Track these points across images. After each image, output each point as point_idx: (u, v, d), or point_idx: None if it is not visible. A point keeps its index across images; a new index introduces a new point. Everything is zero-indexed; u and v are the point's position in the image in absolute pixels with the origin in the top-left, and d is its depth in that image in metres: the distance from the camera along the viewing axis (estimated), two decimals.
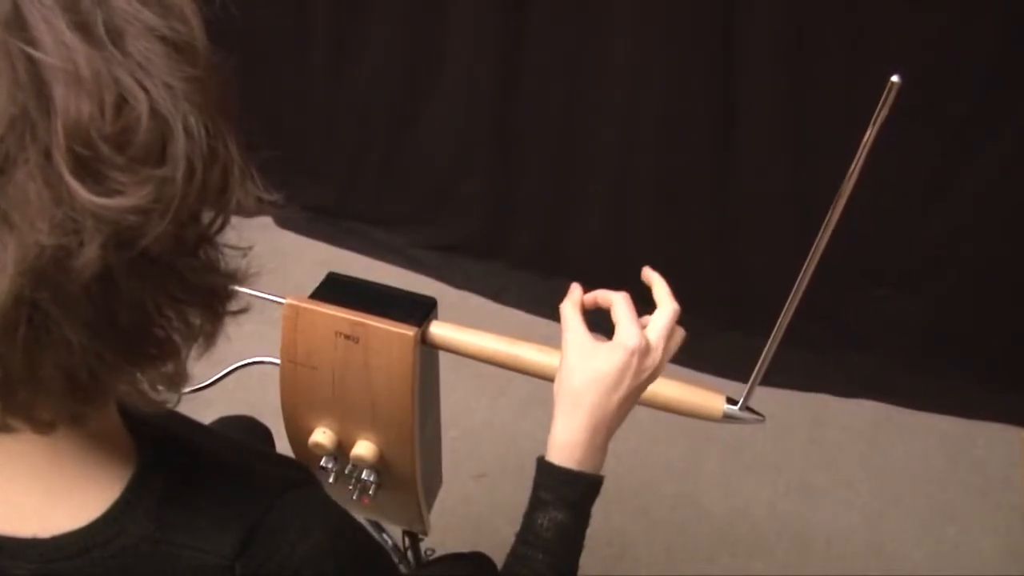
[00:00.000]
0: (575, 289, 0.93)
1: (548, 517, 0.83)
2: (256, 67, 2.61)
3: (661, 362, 0.87)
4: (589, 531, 0.87)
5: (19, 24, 0.43)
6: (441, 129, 2.55)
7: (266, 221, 2.83)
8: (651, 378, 0.87)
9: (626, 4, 2.11)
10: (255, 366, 1.33)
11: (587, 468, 0.85)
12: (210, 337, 0.56)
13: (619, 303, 0.88)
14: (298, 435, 1.18)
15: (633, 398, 0.87)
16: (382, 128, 2.63)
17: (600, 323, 0.89)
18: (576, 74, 2.28)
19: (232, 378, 1.31)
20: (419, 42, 2.43)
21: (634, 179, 2.36)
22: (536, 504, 0.84)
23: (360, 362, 1.06)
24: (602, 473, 0.87)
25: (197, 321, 0.54)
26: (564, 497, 0.84)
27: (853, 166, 0.73)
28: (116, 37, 0.46)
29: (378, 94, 2.57)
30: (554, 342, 1.06)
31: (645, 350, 0.85)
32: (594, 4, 2.15)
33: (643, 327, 0.87)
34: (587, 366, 0.85)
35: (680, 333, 0.90)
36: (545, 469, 0.85)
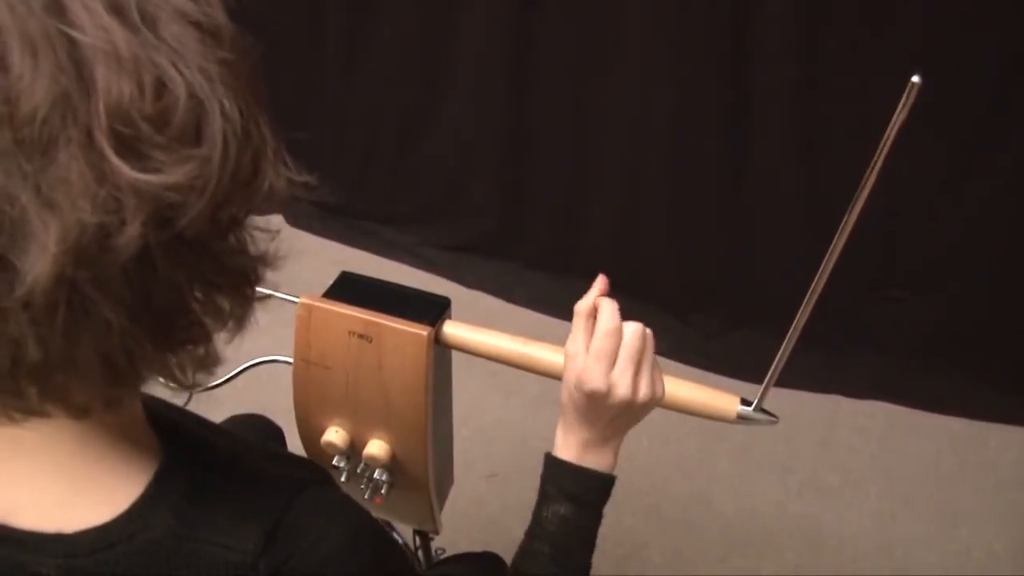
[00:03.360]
0: (593, 288, 0.90)
1: (551, 510, 0.85)
2: (268, 65, 2.61)
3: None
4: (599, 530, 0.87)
5: (58, 8, 0.44)
6: (453, 128, 2.55)
7: (278, 220, 2.83)
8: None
9: (637, 3, 2.11)
10: (266, 365, 1.33)
11: (593, 464, 0.86)
12: (240, 321, 0.57)
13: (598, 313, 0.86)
14: (311, 434, 1.18)
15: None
16: (394, 127, 2.63)
17: None
18: (587, 74, 2.27)
19: (243, 376, 1.31)
20: (431, 41, 2.43)
21: (646, 179, 2.35)
22: (542, 498, 0.87)
23: (374, 362, 1.06)
24: (615, 473, 0.87)
25: (227, 305, 0.55)
26: (567, 491, 0.85)
27: (872, 167, 0.73)
28: (150, 22, 0.46)
29: (390, 93, 2.57)
30: (565, 341, 1.06)
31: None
32: (605, 4, 2.15)
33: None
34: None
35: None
36: (550, 464, 0.87)
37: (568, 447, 0.86)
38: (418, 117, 2.58)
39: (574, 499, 0.85)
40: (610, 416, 0.84)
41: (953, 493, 2.13)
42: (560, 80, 2.32)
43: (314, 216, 2.86)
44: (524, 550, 0.85)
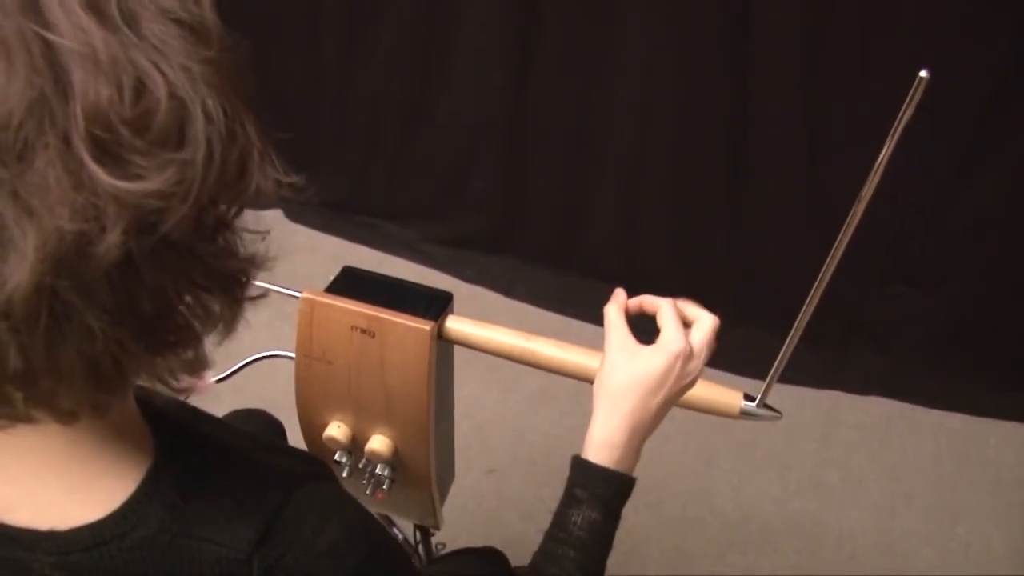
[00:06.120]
0: (619, 293, 0.92)
1: (582, 516, 0.83)
2: (267, 60, 2.61)
3: (699, 370, 0.87)
4: None
5: (34, 8, 0.43)
6: (453, 123, 2.54)
7: (277, 215, 2.83)
8: (690, 385, 0.87)
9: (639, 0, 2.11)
10: (267, 360, 1.33)
11: (623, 469, 0.85)
12: (230, 323, 0.56)
13: (665, 308, 0.87)
14: (312, 429, 1.18)
15: (671, 402, 0.87)
16: (394, 122, 2.63)
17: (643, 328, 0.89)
18: (589, 69, 2.27)
19: (245, 371, 1.31)
20: (432, 36, 2.42)
21: (646, 175, 2.35)
22: (570, 502, 0.84)
23: (376, 357, 1.06)
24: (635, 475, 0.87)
25: (216, 307, 0.54)
26: (600, 496, 0.83)
27: (879, 162, 0.72)
28: (131, 20, 0.45)
29: (391, 88, 2.57)
30: (565, 337, 1.06)
31: (689, 355, 0.85)
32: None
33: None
34: (630, 367, 0.85)
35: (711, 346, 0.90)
36: (582, 467, 0.85)
37: (604, 448, 0.84)
38: (418, 112, 2.57)
39: (607, 505, 0.83)
40: (667, 393, 0.85)
41: (953, 490, 2.13)
42: (561, 76, 2.32)
43: (314, 211, 2.86)
44: (547, 553, 0.83)
